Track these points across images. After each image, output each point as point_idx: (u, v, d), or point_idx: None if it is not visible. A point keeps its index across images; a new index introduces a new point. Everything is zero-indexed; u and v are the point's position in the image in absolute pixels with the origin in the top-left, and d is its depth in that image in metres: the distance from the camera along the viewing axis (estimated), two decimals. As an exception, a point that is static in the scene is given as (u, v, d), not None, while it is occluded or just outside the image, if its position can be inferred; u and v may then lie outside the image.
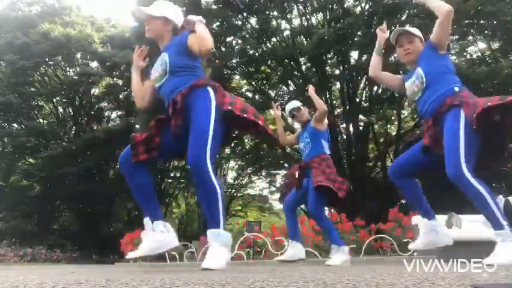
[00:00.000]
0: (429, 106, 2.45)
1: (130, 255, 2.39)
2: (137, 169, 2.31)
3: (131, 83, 2.56)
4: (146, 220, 2.32)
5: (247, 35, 14.22)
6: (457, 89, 2.40)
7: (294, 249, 3.66)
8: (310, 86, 3.86)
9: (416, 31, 2.69)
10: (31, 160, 20.64)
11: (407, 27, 2.82)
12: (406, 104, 14.59)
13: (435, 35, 2.48)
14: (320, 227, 3.74)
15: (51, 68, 20.85)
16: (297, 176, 3.59)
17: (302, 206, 5.49)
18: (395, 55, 3.04)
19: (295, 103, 3.92)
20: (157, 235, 2.26)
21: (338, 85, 15.98)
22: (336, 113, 16.38)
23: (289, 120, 3.98)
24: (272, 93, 16.43)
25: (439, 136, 2.36)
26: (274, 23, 14.10)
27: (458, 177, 2.21)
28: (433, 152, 2.43)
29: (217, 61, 13.21)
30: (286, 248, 6.24)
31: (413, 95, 2.56)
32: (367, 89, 14.86)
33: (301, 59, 14.50)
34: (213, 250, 2.09)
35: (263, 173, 21.34)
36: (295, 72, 14.73)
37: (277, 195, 20.11)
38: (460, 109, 2.27)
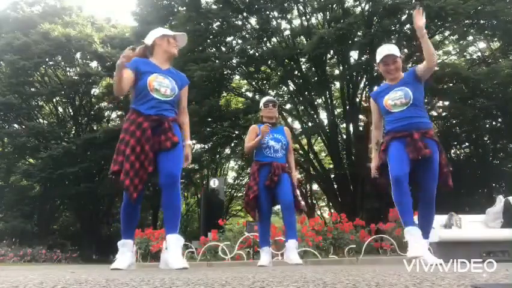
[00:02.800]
0: (415, 123, 2.91)
1: (113, 266, 2.63)
2: (136, 206, 2.68)
3: (121, 75, 2.73)
4: (129, 242, 2.73)
5: (247, 35, 14.21)
6: (431, 125, 3.05)
7: (268, 254, 3.79)
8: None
9: (398, 52, 3.06)
10: (31, 160, 20.62)
11: (392, 49, 3.07)
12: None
13: (423, 72, 2.95)
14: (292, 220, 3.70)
15: (52, 68, 20.84)
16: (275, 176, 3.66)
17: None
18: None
19: (275, 99, 4.08)
20: (133, 256, 2.76)
21: (338, 85, 15.98)
22: (336, 113, 16.37)
23: (261, 106, 3.94)
24: (272, 93, 16.43)
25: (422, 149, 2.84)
26: (274, 23, 14.09)
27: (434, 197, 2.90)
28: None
29: (217, 61, 13.19)
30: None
31: (395, 107, 2.99)
32: (367, 89, 14.87)
33: (301, 59, 14.50)
34: (177, 253, 2.49)
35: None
36: (296, 72, 14.72)
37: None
38: (438, 154, 2.89)
